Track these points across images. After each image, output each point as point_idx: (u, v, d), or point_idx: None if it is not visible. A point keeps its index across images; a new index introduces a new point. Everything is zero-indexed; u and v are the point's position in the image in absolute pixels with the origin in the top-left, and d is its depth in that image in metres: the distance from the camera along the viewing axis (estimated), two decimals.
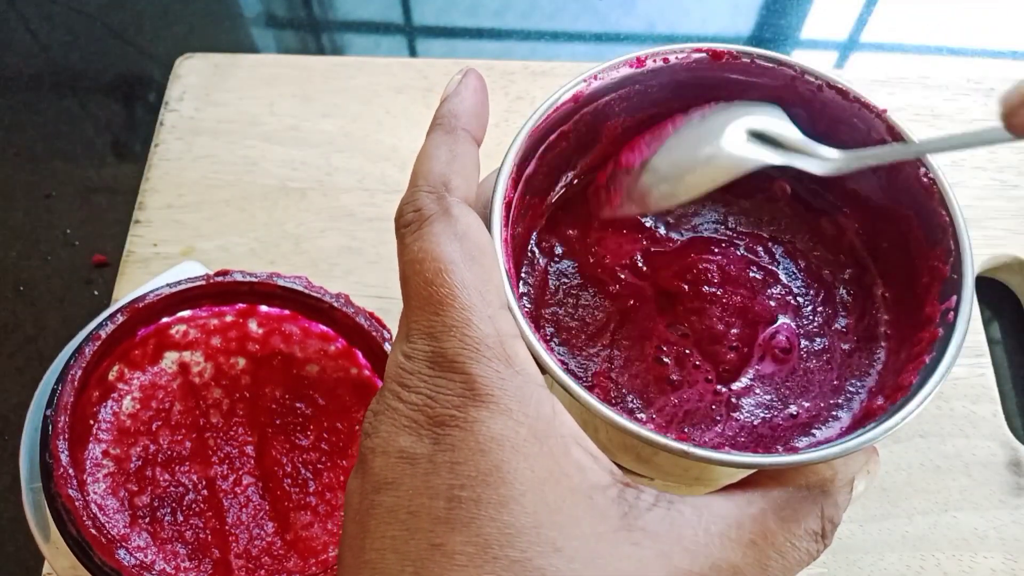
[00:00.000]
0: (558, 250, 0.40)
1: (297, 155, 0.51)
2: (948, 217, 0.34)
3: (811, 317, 0.39)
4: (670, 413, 0.36)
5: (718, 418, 0.36)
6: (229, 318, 0.38)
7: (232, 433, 0.36)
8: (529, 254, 0.40)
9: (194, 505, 0.34)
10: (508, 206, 0.35)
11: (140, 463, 0.34)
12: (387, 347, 0.37)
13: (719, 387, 0.37)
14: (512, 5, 0.63)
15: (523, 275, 0.39)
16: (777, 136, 0.35)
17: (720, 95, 0.39)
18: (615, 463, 0.41)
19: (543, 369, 0.31)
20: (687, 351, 0.38)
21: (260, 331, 0.38)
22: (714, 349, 0.38)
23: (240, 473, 0.35)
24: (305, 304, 0.38)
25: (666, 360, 0.38)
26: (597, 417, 0.30)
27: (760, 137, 0.35)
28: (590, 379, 0.37)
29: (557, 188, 0.41)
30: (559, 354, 0.38)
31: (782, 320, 0.39)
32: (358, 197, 0.49)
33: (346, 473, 0.36)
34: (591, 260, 0.40)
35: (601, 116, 0.39)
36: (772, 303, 0.39)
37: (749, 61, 0.38)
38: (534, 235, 0.40)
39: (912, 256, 0.36)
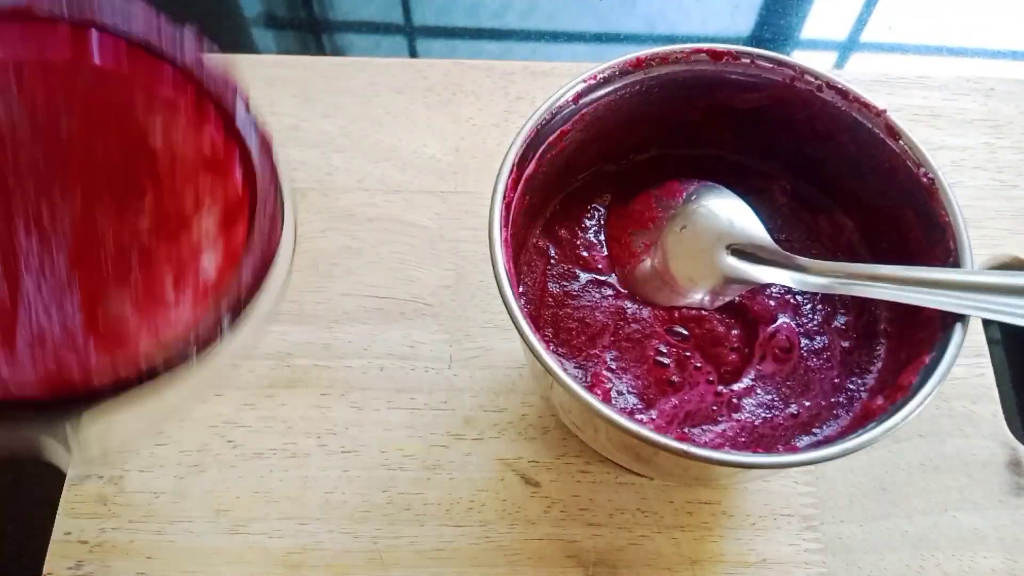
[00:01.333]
0: (558, 250, 0.40)
1: (297, 155, 0.51)
2: (948, 217, 0.34)
3: (811, 315, 0.39)
4: (670, 414, 0.36)
5: (719, 419, 0.36)
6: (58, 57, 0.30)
7: (47, 193, 0.28)
8: (529, 254, 0.40)
9: None
10: (508, 206, 0.35)
11: None
12: (241, 114, 0.30)
13: (720, 388, 0.37)
14: (512, 5, 0.63)
15: (522, 275, 0.39)
16: (755, 251, 0.37)
17: (719, 95, 0.39)
18: (615, 462, 0.41)
19: (544, 369, 0.31)
20: (687, 353, 0.38)
21: (94, 82, 0.30)
22: (716, 351, 0.38)
23: (49, 241, 0.27)
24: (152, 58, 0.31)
25: (666, 362, 0.38)
26: (597, 417, 0.30)
27: (741, 252, 0.38)
28: (590, 379, 0.37)
29: (557, 188, 0.41)
30: (559, 355, 0.38)
31: (782, 319, 0.39)
32: (358, 197, 0.49)
33: (173, 264, 0.29)
34: (591, 261, 0.40)
35: (601, 116, 0.39)
36: (771, 302, 0.39)
37: (749, 61, 0.38)
38: (534, 235, 0.40)
39: (912, 256, 0.36)
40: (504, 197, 0.34)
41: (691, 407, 0.37)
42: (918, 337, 0.34)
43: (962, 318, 0.32)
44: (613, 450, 0.37)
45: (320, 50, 0.63)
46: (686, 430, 0.36)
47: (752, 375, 0.37)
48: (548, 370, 0.31)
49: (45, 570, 0.39)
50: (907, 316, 0.35)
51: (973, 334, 0.46)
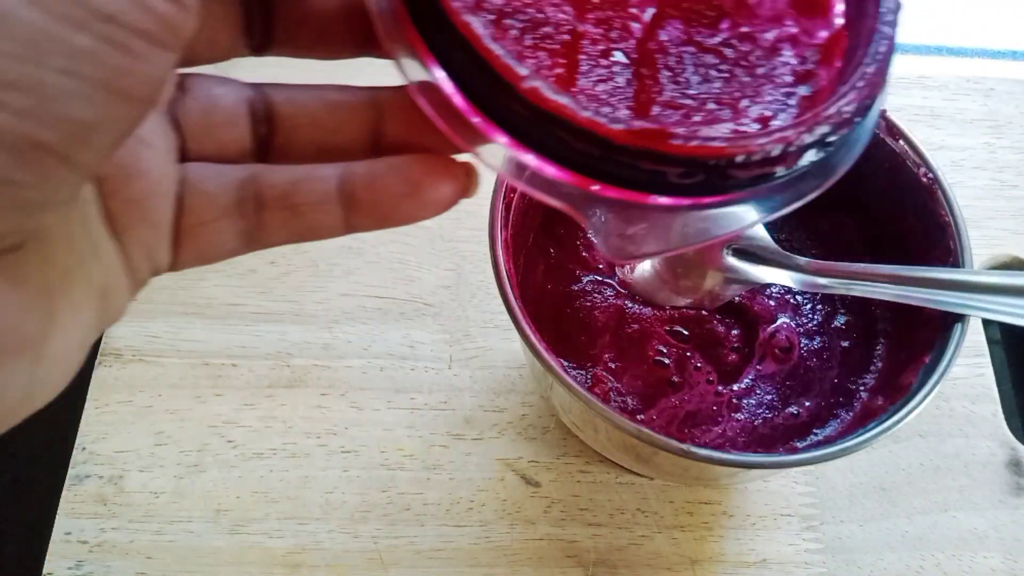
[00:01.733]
0: (558, 251, 0.40)
1: None
2: (948, 217, 0.34)
3: (811, 315, 0.39)
4: (671, 414, 0.36)
5: (719, 419, 0.36)
6: None
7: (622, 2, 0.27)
8: (529, 254, 0.40)
9: (549, 34, 0.25)
10: (508, 206, 0.35)
11: None
12: None
13: (720, 388, 0.37)
14: None
15: (522, 275, 0.39)
16: (755, 251, 0.37)
17: None
18: (615, 462, 0.41)
19: (544, 369, 0.31)
20: (687, 353, 0.38)
21: None
22: (716, 351, 0.38)
23: (615, 41, 0.26)
24: None
25: (666, 362, 0.38)
26: (597, 417, 0.30)
27: (741, 252, 0.37)
28: (590, 379, 0.37)
29: None
30: (559, 354, 0.38)
31: (782, 319, 0.39)
32: None
33: (733, 95, 0.27)
34: (591, 261, 0.40)
35: None
36: (771, 302, 0.39)
37: None
38: (534, 235, 0.40)
39: (912, 256, 0.36)
40: (504, 197, 0.34)
41: (691, 407, 0.37)
42: (918, 337, 0.34)
43: (962, 318, 0.32)
44: (613, 450, 0.37)
45: None
46: (686, 430, 0.36)
47: (752, 375, 0.37)
48: (548, 370, 0.31)
49: (45, 570, 0.39)
50: (907, 316, 0.35)
51: (973, 334, 0.46)
